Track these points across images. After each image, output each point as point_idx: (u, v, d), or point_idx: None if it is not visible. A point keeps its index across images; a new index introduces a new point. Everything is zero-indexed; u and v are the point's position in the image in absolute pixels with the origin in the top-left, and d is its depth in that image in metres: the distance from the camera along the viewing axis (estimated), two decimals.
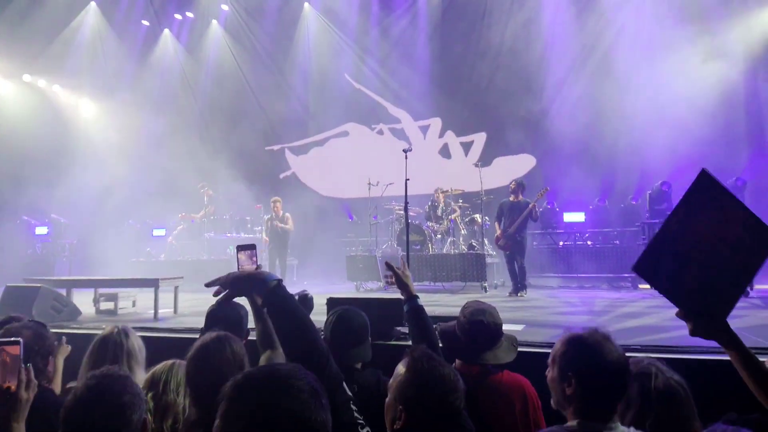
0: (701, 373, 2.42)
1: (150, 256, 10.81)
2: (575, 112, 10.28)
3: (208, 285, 1.76)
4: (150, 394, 2.02)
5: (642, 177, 9.30)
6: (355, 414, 1.53)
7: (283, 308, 1.65)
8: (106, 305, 6.16)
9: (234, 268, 1.94)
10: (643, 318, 5.01)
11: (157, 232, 11.52)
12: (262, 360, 1.96)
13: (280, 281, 1.70)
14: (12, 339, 1.63)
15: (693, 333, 1.38)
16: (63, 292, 5.93)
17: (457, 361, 2.25)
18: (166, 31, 13.88)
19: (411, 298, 2.29)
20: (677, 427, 1.65)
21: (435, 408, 1.51)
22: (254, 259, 2.05)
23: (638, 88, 9.60)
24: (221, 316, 2.48)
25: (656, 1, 9.97)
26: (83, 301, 6.14)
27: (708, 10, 9.46)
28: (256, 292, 1.74)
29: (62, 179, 11.33)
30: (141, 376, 2.15)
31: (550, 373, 1.69)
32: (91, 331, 3.83)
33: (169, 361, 2.11)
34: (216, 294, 1.74)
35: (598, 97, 10.09)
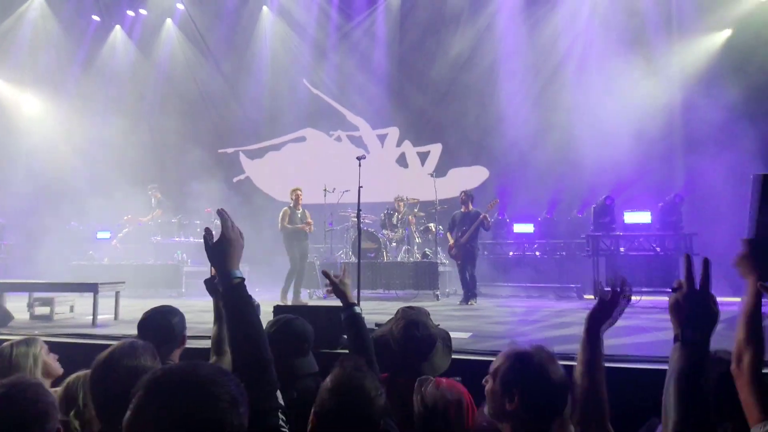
0: (632, 381, 2.50)
1: (92, 259, 10.36)
2: (526, 126, 10.57)
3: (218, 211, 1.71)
4: (72, 412, 1.93)
5: (587, 191, 9.65)
6: (281, 422, 1.51)
7: (239, 307, 1.62)
8: (41, 310, 5.85)
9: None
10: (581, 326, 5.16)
11: (101, 235, 11.04)
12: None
13: (243, 279, 1.67)
14: None
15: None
16: None
17: None
18: (117, 27, 13.44)
19: (348, 306, 2.28)
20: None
21: (345, 417, 1.53)
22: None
23: (584, 105, 9.98)
24: (152, 327, 2.40)
25: (603, 21, 10.42)
26: (17, 305, 5.82)
27: (650, 34, 10.00)
28: (220, 278, 1.68)
29: (1, 177, 10.74)
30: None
31: (490, 384, 1.69)
32: (22, 337, 3.63)
33: (81, 372, 2.01)
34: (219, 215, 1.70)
35: (547, 112, 10.45)
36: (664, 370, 1.42)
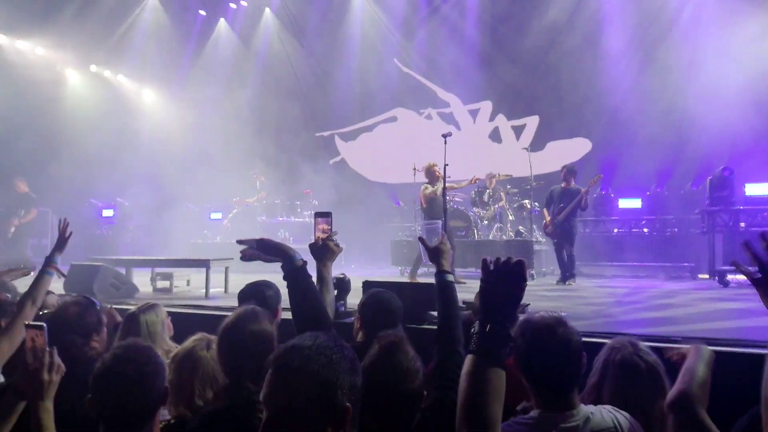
0: (732, 366, 2.31)
1: (207, 238, 11.29)
2: (631, 93, 9.82)
3: (239, 242, 2.13)
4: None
5: (702, 163, 8.81)
6: None
7: (301, 287, 1.99)
8: (162, 284, 6.48)
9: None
10: (685, 308, 4.80)
11: (214, 216, 12.00)
12: None
13: (305, 263, 1.99)
14: (37, 323, 1.77)
15: None
16: (123, 270, 6.31)
17: None
18: (222, 20, 14.27)
19: (440, 272, 2.14)
20: (632, 400, 1.63)
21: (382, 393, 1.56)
22: (330, 226, 2.31)
23: (697, 68, 9.07)
24: (247, 298, 2.60)
25: None
26: (142, 280, 6.51)
27: None
28: (283, 265, 2.02)
29: (126, 165, 11.96)
30: (165, 347, 2.30)
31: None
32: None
33: (197, 337, 2.24)
34: (244, 254, 2.12)
35: (656, 79, 9.58)
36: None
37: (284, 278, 2.03)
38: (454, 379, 1.67)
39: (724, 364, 2.32)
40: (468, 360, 1.27)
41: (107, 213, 12.53)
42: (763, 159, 8.12)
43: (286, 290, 2.09)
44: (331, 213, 2.35)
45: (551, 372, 1.26)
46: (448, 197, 7.30)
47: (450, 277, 2.11)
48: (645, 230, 9.28)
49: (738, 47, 8.77)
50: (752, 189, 7.44)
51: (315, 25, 13.71)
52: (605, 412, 1.48)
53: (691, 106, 8.85)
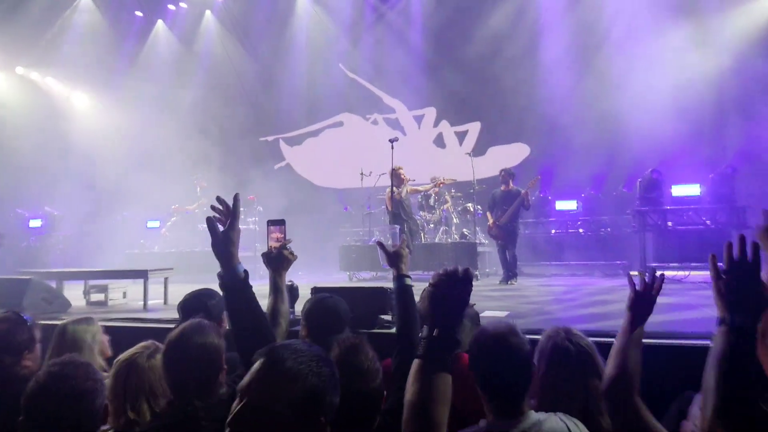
0: (662, 357, 2.45)
1: (144, 248, 10.84)
2: (568, 100, 10.26)
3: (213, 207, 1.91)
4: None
5: (633, 166, 9.31)
6: None
7: (243, 300, 1.84)
8: (96, 297, 6.18)
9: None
10: (619, 304, 5.06)
11: (151, 224, 11.53)
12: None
13: (247, 274, 1.84)
14: None
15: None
16: (53, 284, 5.95)
17: None
18: (160, 21, 13.80)
19: (399, 276, 2.15)
20: (563, 381, 1.71)
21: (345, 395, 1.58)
22: (284, 234, 2.24)
23: (629, 76, 9.58)
24: (189, 309, 2.52)
25: None
26: (74, 293, 6.17)
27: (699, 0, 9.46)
28: (223, 274, 1.84)
29: (55, 172, 11.32)
30: (99, 363, 2.20)
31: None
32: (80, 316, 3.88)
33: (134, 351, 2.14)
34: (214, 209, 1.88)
35: (592, 87, 10.07)
36: (705, 347, 1.39)
37: (222, 288, 1.87)
38: None
39: (655, 356, 2.47)
40: (415, 364, 1.30)
41: (35, 223, 11.78)
42: (687, 162, 8.69)
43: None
44: (284, 220, 2.28)
45: (503, 381, 1.29)
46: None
47: (408, 281, 2.12)
48: (581, 230, 9.69)
49: (664, 57, 9.35)
50: (678, 190, 7.92)
51: (259, 28, 13.50)
52: (555, 419, 1.51)
53: (624, 113, 9.33)
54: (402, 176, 7.61)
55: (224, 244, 1.75)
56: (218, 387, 1.80)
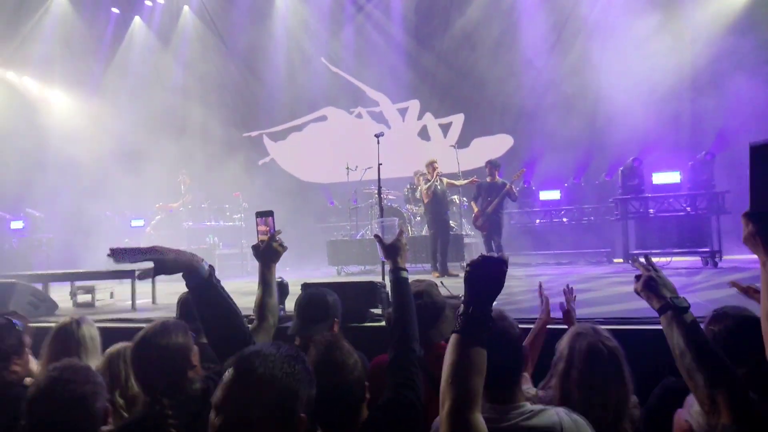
0: (642, 342, 2.52)
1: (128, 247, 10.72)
2: (550, 91, 10.37)
3: (113, 253, 1.79)
4: (117, 392, 2.09)
5: (615, 155, 9.46)
6: None
7: (211, 300, 1.82)
8: (83, 298, 6.11)
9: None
10: (602, 291, 5.19)
11: (135, 223, 11.40)
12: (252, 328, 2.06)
13: (213, 270, 1.83)
14: None
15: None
16: (40, 286, 5.88)
17: None
18: (137, 18, 13.59)
19: (395, 269, 2.11)
20: (598, 386, 1.73)
21: (326, 392, 1.55)
22: (271, 226, 2.19)
23: (608, 66, 9.69)
24: (186, 308, 2.53)
25: None
26: (60, 295, 6.11)
27: None
28: (187, 278, 1.81)
29: (36, 172, 11.13)
30: (95, 364, 2.22)
31: None
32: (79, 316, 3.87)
33: (119, 345, 2.18)
34: (140, 275, 1.82)
35: (571, 75, 10.19)
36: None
37: (189, 291, 1.84)
38: (409, 377, 1.75)
39: (638, 341, 2.56)
40: (452, 338, 1.37)
41: (16, 225, 11.58)
42: (667, 149, 8.85)
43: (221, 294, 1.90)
44: (272, 212, 2.21)
45: (492, 364, 1.33)
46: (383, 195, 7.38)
47: (405, 274, 2.08)
48: (564, 220, 9.84)
49: (641, 45, 9.47)
50: (659, 178, 8.06)
51: (238, 23, 13.37)
52: (552, 412, 1.51)
53: (605, 102, 9.47)
54: (435, 168, 7.84)
55: (173, 263, 1.75)
56: (188, 384, 1.82)
